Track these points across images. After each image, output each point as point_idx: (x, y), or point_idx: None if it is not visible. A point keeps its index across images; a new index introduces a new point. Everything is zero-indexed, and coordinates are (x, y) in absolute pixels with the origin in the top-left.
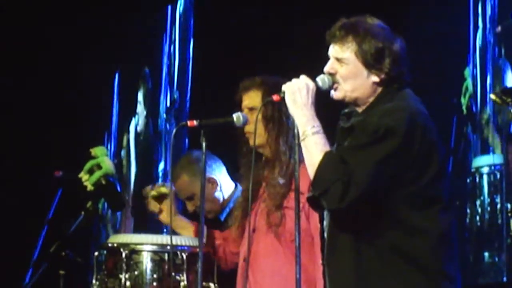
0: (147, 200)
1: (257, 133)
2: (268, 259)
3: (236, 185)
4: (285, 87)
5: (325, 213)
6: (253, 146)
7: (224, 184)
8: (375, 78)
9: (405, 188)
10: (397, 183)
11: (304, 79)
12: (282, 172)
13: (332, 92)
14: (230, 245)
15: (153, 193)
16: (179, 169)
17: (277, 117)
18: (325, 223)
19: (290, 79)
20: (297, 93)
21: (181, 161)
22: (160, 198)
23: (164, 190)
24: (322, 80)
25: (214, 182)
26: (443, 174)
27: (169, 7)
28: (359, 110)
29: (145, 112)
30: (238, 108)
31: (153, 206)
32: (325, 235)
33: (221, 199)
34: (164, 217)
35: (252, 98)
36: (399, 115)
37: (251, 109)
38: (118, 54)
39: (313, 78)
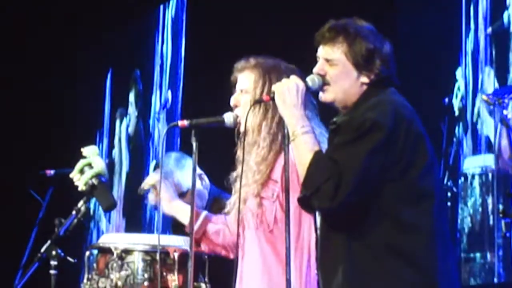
0: (147, 198)
1: (243, 118)
2: (250, 249)
3: None
4: (275, 87)
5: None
6: (244, 134)
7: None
8: (365, 79)
9: (395, 183)
10: (387, 176)
11: (294, 79)
12: (258, 158)
13: (321, 94)
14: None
15: (145, 187)
16: (169, 167)
17: (264, 102)
18: (317, 224)
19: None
20: (287, 93)
21: (168, 159)
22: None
23: (152, 181)
24: (312, 80)
25: (203, 179)
26: (433, 167)
27: (161, 7)
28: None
29: (136, 113)
30: (231, 108)
31: (151, 200)
32: (318, 235)
33: (207, 196)
34: (163, 207)
35: (244, 80)
36: (383, 108)
37: (242, 90)
38: (110, 54)
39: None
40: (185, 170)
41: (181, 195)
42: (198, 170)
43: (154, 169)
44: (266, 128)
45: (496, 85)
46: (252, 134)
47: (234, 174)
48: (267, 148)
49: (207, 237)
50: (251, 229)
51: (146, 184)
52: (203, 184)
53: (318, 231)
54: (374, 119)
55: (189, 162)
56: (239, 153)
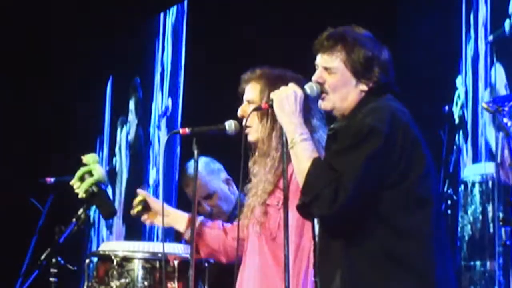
0: (141, 218)
1: (253, 129)
2: (252, 256)
3: None
4: (273, 95)
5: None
6: (244, 141)
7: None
8: (364, 87)
9: (393, 189)
10: (385, 182)
11: (292, 87)
12: (273, 169)
13: (320, 102)
14: (229, 236)
15: (137, 209)
16: (194, 170)
17: (272, 112)
18: (316, 231)
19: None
20: (285, 100)
21: (193, 164)
22: (146, 209)
23: (139, 198)
24: (311, 87)
25: (230, 184)
26: (431, 173)
27: (161, 14)
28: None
29: (136, 120)
30: (232, 115)
31: (145, 220)
32: (316, 242)
33: (234, 201)
34: (158, 221)
35: (250, 91)
36: (381, 113)
37: (249, 101)
38: (111, 61)
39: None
40: (213, 174)
41: (207, 197)
42: (226, 176)
43: (180, 175)
44: (276, 138)
45: (505, 81)
46: (263, 146)
47: (248, 186)
48: (278, 158)
49: (204, 241)
50: (254, 237)
51: (135, 207)
52: (230, 190)
53: (316, 238)
54: (371, 125)
55: (217, 166)
56: (250, 164)
